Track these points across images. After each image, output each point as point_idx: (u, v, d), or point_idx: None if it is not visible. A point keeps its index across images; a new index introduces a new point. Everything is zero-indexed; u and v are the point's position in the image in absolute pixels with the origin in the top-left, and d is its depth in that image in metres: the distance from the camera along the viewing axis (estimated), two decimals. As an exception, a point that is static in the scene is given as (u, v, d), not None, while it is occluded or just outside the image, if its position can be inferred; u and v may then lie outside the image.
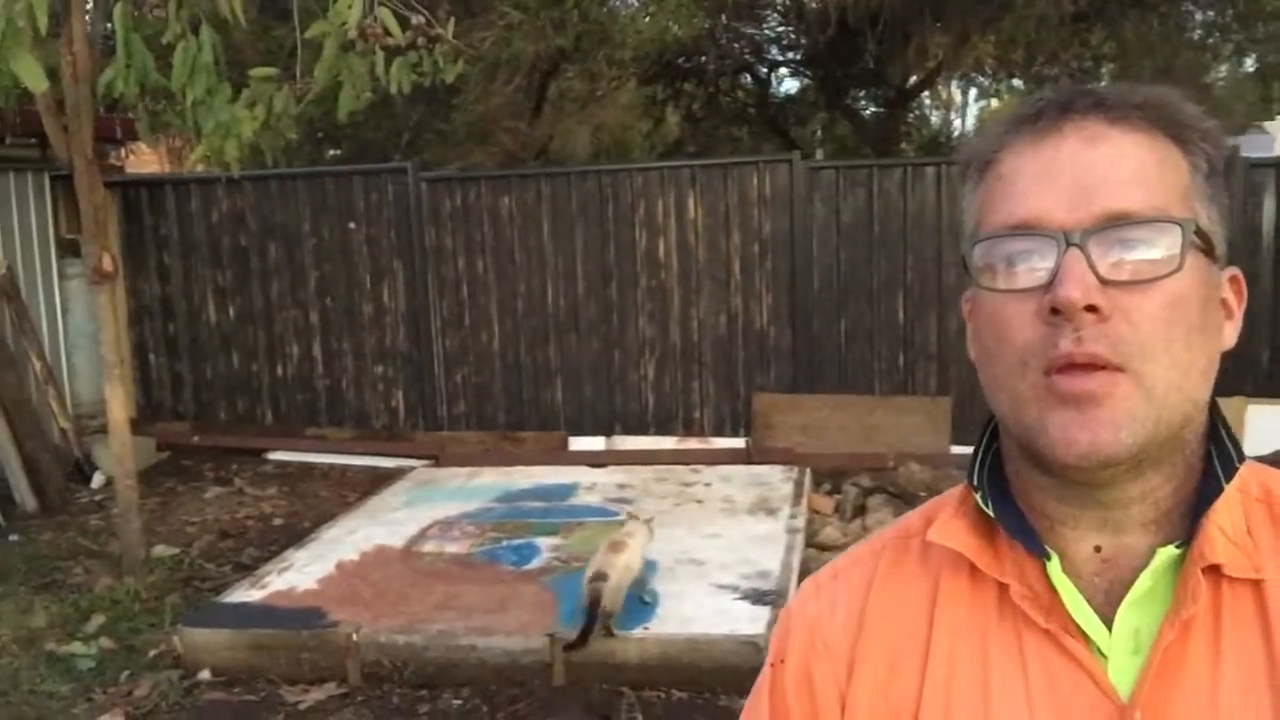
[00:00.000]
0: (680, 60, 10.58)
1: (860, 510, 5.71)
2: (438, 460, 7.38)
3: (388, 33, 4.76)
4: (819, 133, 15.22)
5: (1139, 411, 0.70)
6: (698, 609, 4.35)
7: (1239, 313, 0.79)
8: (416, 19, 4.96)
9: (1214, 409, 0.78)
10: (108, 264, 5.26)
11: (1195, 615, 0.72)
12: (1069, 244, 0.70)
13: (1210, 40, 10.57)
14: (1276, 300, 6.76)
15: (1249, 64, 14.27)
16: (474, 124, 9.12)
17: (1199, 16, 9.76)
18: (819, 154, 11.70)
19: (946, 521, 0.82)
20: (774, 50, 11.82)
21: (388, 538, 5.50)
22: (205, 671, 4.23)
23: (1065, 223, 0.71)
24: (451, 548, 5.34)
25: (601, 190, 7.44)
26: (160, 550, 5.62)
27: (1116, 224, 0.71)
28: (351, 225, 7.76)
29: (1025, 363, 0.73)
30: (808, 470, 6.40)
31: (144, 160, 11.13)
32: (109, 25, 5.17)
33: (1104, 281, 0.70)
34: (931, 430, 6.90)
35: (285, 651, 4.25)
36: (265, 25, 8.85)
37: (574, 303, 7.55)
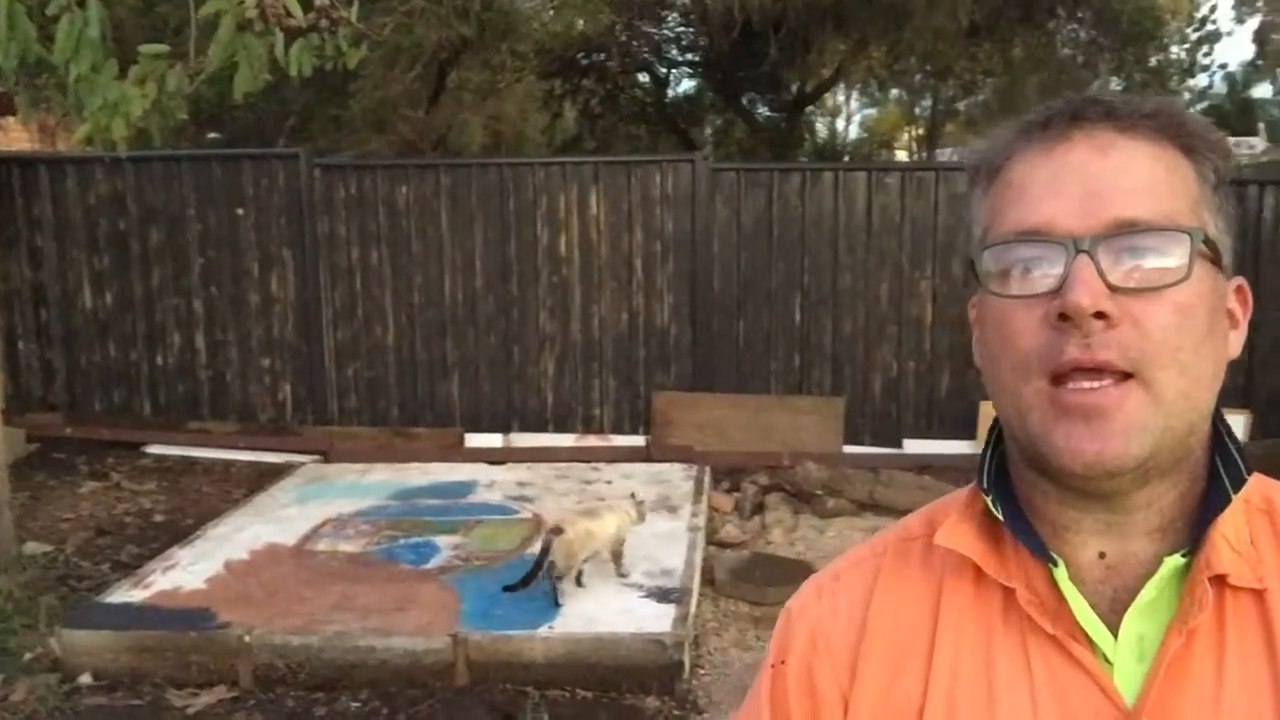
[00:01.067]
0: (580, 56, 10.54)
1: (759, 508, 5.78)
2: (327, 456, 7.18)
3: (289, 13, 4.60)
4: (709, 133, 15.37)
5: (1148, 420, 0.71)
6: (602, 607, 4.32)
7: (1244, 322, 0.79)
8: (319, 0, 4.81)
9: (1218, 419, 0.78)
10: (-21, 245, 4.95)
11: (1200, 624, 0.72)
12: (1078, 251, 0.71)
13: (1089, 59, 11.03)
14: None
15: (1115, 83, 15.00)
16: (371, 111, 8.91)
17: (1082, 35, 10.19)
18: (712, 155, 11.79)
19: (953, 525, 0.81)
20: (673, 50, 11.88)
21: (278, 536, 5.32)
22: (86, 675, 4.02)
23: (1075, 230, 0.71)
24: (346, 546, 5.20)
25: (503, 183, 7.35)
26: (32, 547, 5.32)
27: (1126, 232, 0.71)
28: (239, 211, 7.49)
29: (1029, 367, 0.73)
30: (707, 468, 6.45)
31: (13, 138, 10.54)
32: (-13, -8, 4.87)
33: (1112, 289, 0.70)
34: (825, 430, 7.03)
35: (172, 654, 4.07)
36: (149, 2, 8.47)
37: (472, 296, 7.44)
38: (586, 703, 3.93)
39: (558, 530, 4.34)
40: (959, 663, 0.79)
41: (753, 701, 0.89)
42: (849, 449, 7.03)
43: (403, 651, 4.05)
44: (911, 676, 0.80)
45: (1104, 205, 0.72)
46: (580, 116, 12.72)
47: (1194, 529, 0.75)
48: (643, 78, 12.69)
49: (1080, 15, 9.57)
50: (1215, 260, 0.74)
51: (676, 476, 6.37)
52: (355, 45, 5.08)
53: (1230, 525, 0.75)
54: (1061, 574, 0.76)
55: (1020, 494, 0.81)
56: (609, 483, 6.30)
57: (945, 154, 20.72)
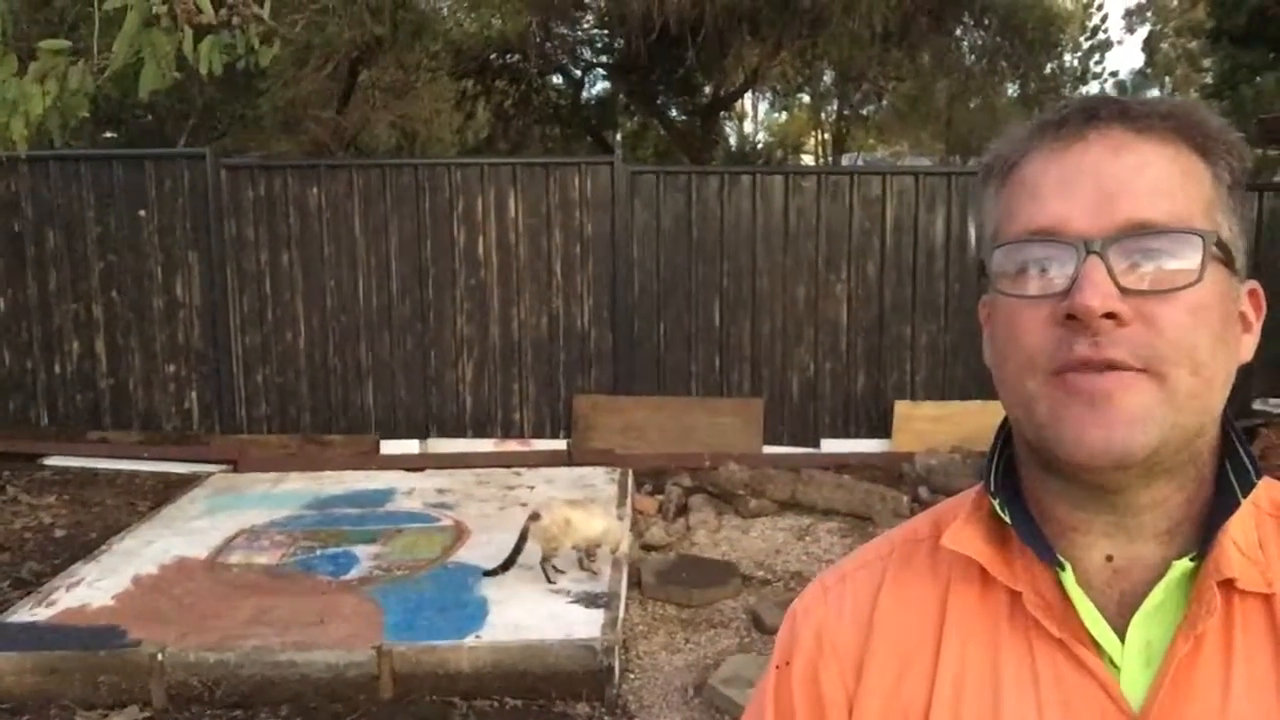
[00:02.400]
0: (494, 57, 10.44)
1: (683, 510, 5.79)
2: (237, 465, 6.97)
3: (198, 9, 4.45)
4: (619, 137, 15.36)
5: (1157, 411, 0.70)
6: (529, 615, 4.27)
7: (1257, 326, 0.79)
8: (230, -4, 4.67)
9: (1227, 422, 0.78)
10: None
11: (1207, 629, 0.72)
12: (1089, 251, 0.70)
13: (994, 66, 11.31)
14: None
15: (1012, 90, 15.42)
16: (280, 110, 8.68)
17: (987, 42, 10.43)
18: (618, 154, 11.77)
19: (960, 528, 0.81)
20: (588, 52, 11.85)
21: (189, 548, 5.15)
22: (-13, 701, 3.83)
23: (1086, 230, 0.71)
24: (261, 558, 5.06)
25: (419, 184, 7.24)
26: (-77, 567, 5.05)
27: (1138, 233, 0.70)
28: (142, 213, 7.24)
29: (1034, 361, 0.72)
30: (629, 471, 6.43)
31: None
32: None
33: (1124, 291, 0.70)
34: (745, 431, 7.07)
35: (81, 674, 3.89)
36: (43, -6, 8.13)
37: (387, 300, 7.31)
38: (516, 711, 3.88)
39: (535, 517, 4.54)
40: (964, 666, 0.78)
41: (757, 703, 0.89)
42: (768, 449, 7.09)
43: (324, 666, 3.94)
44: (917, 679, 0.80)
45: (1116, 206, 0.71)
46: (494, 118, 12.61)
47: (1202, 532, 0.75)
48: (557, 79, 12.64)
49: (986, 23, 9.82)
50: (1228, 263, 0.74)
51: (599, 480, 6.34)
52: (267, 43, 4.95)
53: (1239, 529, 0.74)
54: (1068, 577, 0.76)
55: (1028, 496, 0.80)
56: (531, 488, 6.24)
57: (851, 159, 21.09)
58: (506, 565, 4.61)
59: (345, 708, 3.88)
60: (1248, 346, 0.78)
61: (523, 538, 4.58)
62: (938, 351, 7.35)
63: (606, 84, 13.46)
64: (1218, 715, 0.71)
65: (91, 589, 4.56)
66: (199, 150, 7.47)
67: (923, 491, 6.01)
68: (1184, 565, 0.73)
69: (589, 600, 4.40)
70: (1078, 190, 0.72)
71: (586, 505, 4.81)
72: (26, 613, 4.30)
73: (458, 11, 8.32)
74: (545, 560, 4.59)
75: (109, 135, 11.59)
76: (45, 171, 7.20)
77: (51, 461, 7.04)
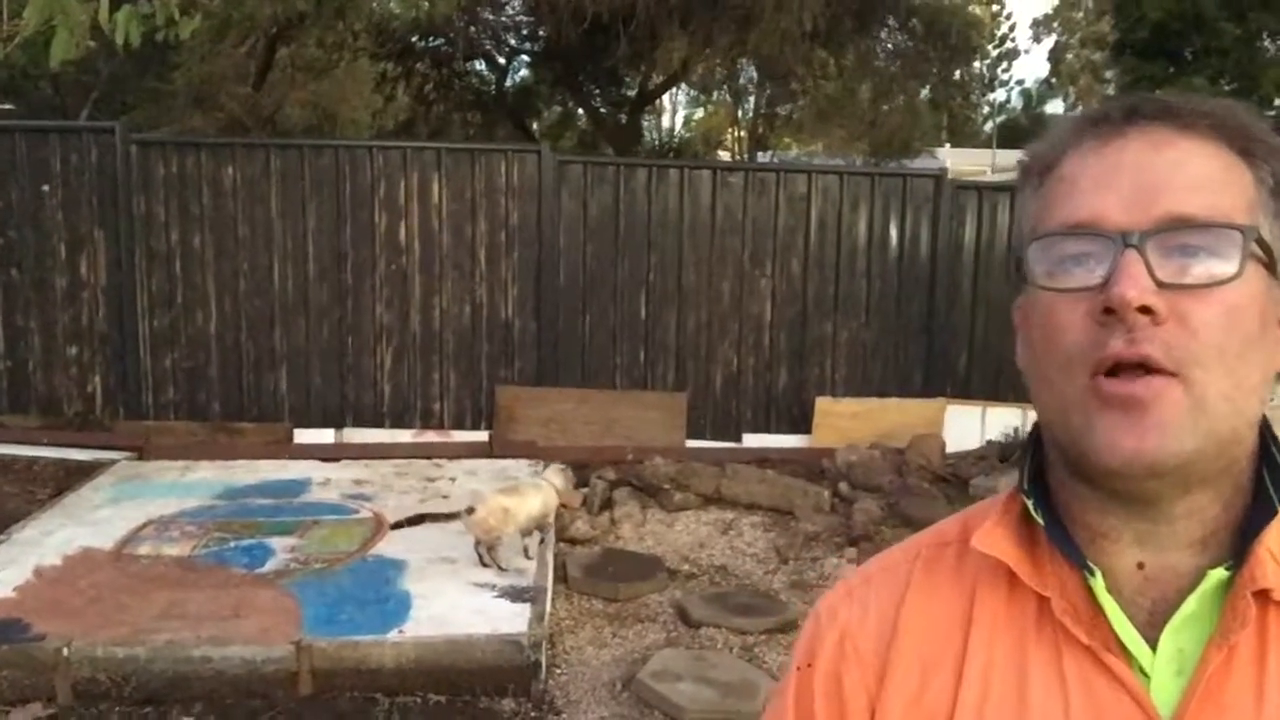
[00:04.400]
0: (417, 40, 10.24)
1: (607, 503, 5.75)
2: (142, 453, 6.72)
3: (115, -25, 4.26)
4: (535, 126, 15.24)
5: (1188, 420, 0.69)
6: (454, 609, 4.20)
7: None
8: (148, -36, 4.47)
9: (1265, 429, 0.76)
10: None
11: (1240, 640, 0.71)
12: (1126, 245, 0.69)
13: (913, 69, 11.50)
14: (974, 309, 7.46)
15: (924, 93, 15.73)
16: (194, 86, 8.38)
17: (909, 46, 10.60)
18: (545, 146, 11.66)
19: (990, 530, 0.79)
20: (513, 39, 11.71)
21: (94, 539, 4.95)
22: (-126, 699, 3.61)
23: (1124, 224, 0.70)
24: (171, 549, 4.88)
25: (339, 166, 7.06)
26: None
27: (1176, 227, 0.69)
28: (45, 188, 6.92)
29: (1072, 362, 0.71)
30: (568, 468, 6.35)
31: None
32: None
33: (1160, 285, 0.69)
34: (669, 424, 7.07)
35: (-21, 671, 3.70)
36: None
37: (303, 284, 7.12)
38: (440, 707, 3.80)
39: (470, 510, 4.58)
40: (990, 671, 0.77)
41: (778, 704, 0.87)
42: (691, 443, 7.10)
43: (240, 661, 3.82)
44: (941, 684, 0.78)
45: (1155, 200, 0.70)
46: (414, 101, 12.38)
47: (1237, 542, 0.74)
48: (479, 65, 12.46)
49: (911, 25, 9.98)
50: (1269, 265, 0.72)
51: (522, 473, 6.24)
52: (187, 14, 4.76)
53: (1276, 539, 0.73)
54: (1099, 583, 0.74)
55: (1059, 500, 0.79)
56: (452, 479, 6.14)
57: (767, 158, 21.27)
58: (412, 522, 4.92)
59: (262, 704, 3.76)
60: None
61: (439, 514, 4.86)
62: (858, 349, 7.45)
63: (529, 72, 13.35)
64: None
65: (-11, 581, 4.34)
66: (108, 124, 7.17)
67: (843, 487, 6.07)
68: (1219, 575, 0.72)
69: (515, 594, 4.34)
70: (1116, 185, 0.72)
71: (519, 489, 4.79)
72: (-81, 606, 4.07)
73: (380, -9, 8.14)
74: (479, 545, 4.63)
75: (7, 107, 11.08)
76: (-60, 142, 6.83)
77: (-58, 446, 6.69)
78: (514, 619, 4.12)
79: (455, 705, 3.82)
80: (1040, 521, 0.77)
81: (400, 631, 4.00)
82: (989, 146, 29.98)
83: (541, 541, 4.86)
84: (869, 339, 7.44)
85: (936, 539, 0.87)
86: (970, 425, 7.31)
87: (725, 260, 7.31)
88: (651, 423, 7.01)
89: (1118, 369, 0.69)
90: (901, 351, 7.43)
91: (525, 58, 12.25)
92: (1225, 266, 0.69)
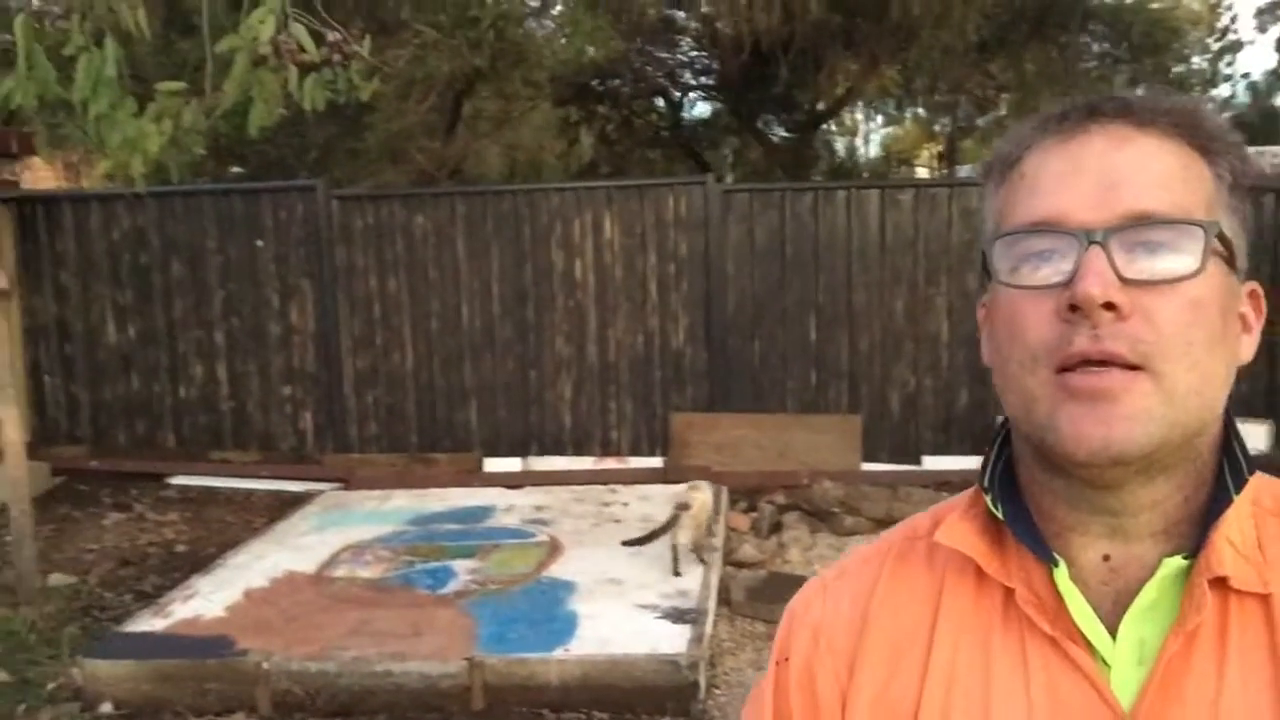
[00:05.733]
0: (594, 83, 10.63)
1: (776, 527, 5.77)
2: (347, 483, 7.23)
3: (302, 49, 4.69)
4: (730, 156, 15.41)
5: (1156, 410, 0.69)
6: (618, 629, 4.33)
7: (1257, 328, 0.78)
8: (331, 36, 4.90)
9: (1228, 421, 0.77)
10: (2, 281, 5.05)
11: (1200, 627, 0.71)
12: (1091, 242, 0.70)
13: (1104, 72, 11.02)
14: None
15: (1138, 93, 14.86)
16: (387, 142, 9.02)
17: (1095, 48, 10.16)
18: (729, 177, 11.79)
19: (954, 524, 0.81)
20: (687, 74, 11.96)
21: (297, 563, 5.37)
22: (107, 704, 4.06)
23: (1087, 221, 0.71)
24: (364, 572, 5.24)
25: (517, 209, 7.42)
26: (57, 579, 5.39)
27: (1139, 224, 0.70)
28: (259, 243, 7.60)
29: (1036, 359, 0.72)
30: (724, 489, 6.44)
31: (39, 177, 10.74)
32: (9, 36, 4.99)
33: (1124, 281, 0.69)
34: (843, 448, 7.01)
35: (191, 682, 4.11)
36: (169, 39, 8.63)
37: (489, 322, 7.50)
38: (602, 724, 3.93)
39: (684, 506, 4.96)
40: (956, 662, 0.78)
41: (757, 699, 0.89)
42: (867, 466, 7.01)
43: (418, 676, 4.07)
44: (908, 675, 0.79)
45: (1118, 197, 0.71)
46: (597, 142, 12.81)
47: (1199, 532, 0.74)
48: (658, 102, 12.78)
49: (1091, 28, 9.56)
50: (1229, 260, 0.74)
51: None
52: (367, 78, 5.17)
53: (1236, 528, 0.74)
54: (1061, 574, 0.75)
55: (1027, 494, 0.80)
56: (625, 504, 6.31)
57: (964, 171, 20.66)
58: (646, 539, 5.11)
59: (438, 717, 3.99)
60: (1248, 347, 0.78)
61: (669, 524, 4.99)
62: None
63: (708, 105, 13.58)
64: (1209, 715, 0.70)
65: (205, 601, 4.80)
66: (311, 182, 7.80)
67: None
68: (1176, 563, 0.73)
69: (677, 616, 4.44)
70: (1078, 182, 0.73)
71: (692, 491, 5.19)
72: (144, 623, 4.55)
73: (554, 40, 8.51)
74: (680, 547, 4.93)
75: (237, 170, 12.17)
76: (170, 206, 7.63)
77: (176, 481, 7.42)
78: (674, 639, 4.21)
79: (616, 723, 3.95)
80: (1000, 516, 0.78)
81: (566, 650, 4.16)
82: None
83: (705, 562, 4.95)
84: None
85: (908, 533, 0.88)
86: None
87: (897, 279, 7.21)
88: (825, 446, 6.97)
89: (1083, 365, 0.70)
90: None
91: (697, 93, 12.49)
92: (1188, 261, 0.70)
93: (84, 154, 9.28)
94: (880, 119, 24.17)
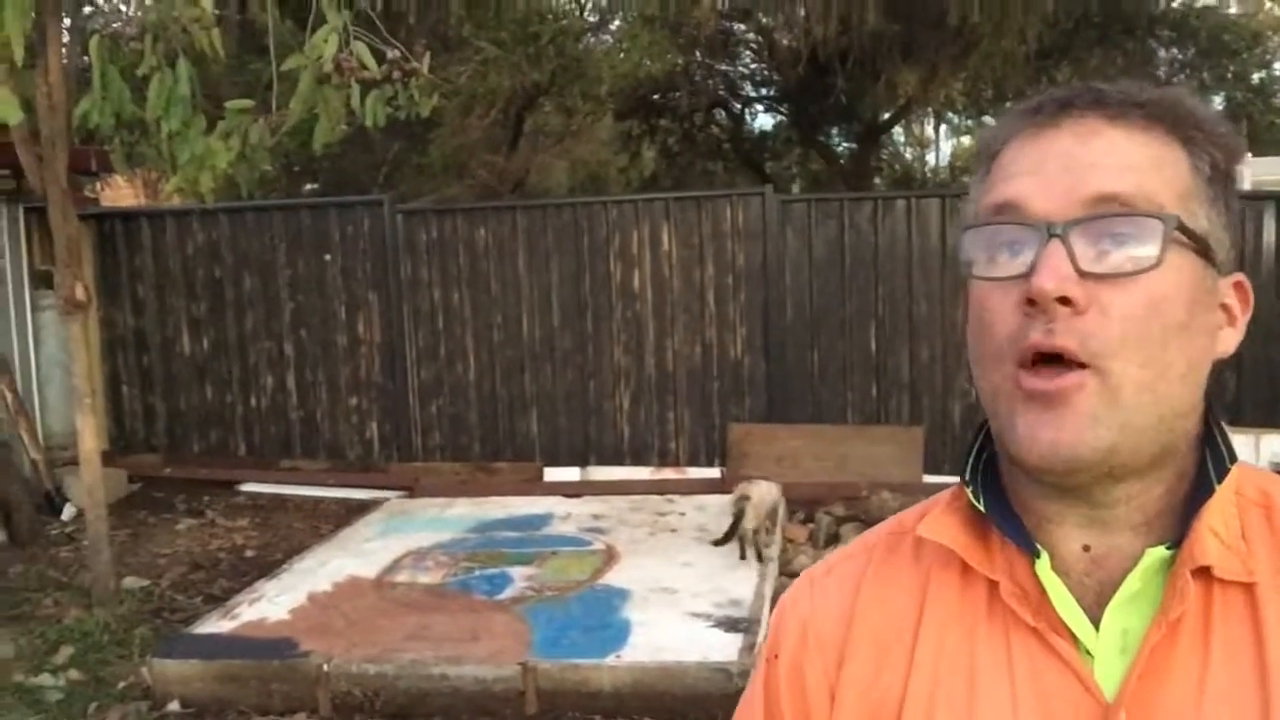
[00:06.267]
0: (655, 96, 10.71)
1: (833, 539, 5.74)
2: (412, 491, 7.36)
3: (363, 66, 4.82)
4: (794, 168, 15.36)
5: (1102, 413, 0.69)
6: (671, 637, 4.35)
7: (1243, 320, 0.77)
8: (392, 53, 5.03)
9: (1209, 414, 0.77)
10: (80, 293, 5.26)
11: (1184, 617, 0.71)
12: (1051, 235, 0.70)
13: (1176, 78, 10.81)
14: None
15: (1216, 101, 14.49)
16: (450, 157, 9.19)
17: (1163, 53, 9.96)
18: (794, 189, 11.75)
19: (937, 517, 0.81)
20: (748, 87, 11.99)
21: (360, 568, 5.48)
22: (174, 703, 4.19)
23: (1049, 212, 0.71)
24: (424, 578, 5.33)
25: (577, 222, 7.50)
26: (130, 582, 5.57)
27: (1101, 216, 0.70)
28: (327, 257, 7.79)
29: (1002, 353, 0.72)
30: (783, 500, 6.42)
31: (120, 193, 11.13)
32: (85, 57, 5.21)
33: (1083, 274, 0.69)
34: (904, 460, 6.95)
35: (255, 682, 4.22)
36: (242, 60, 8.91)
37: (549, 333, 7.59)
38: (653, 731, 3.96)
39: (745, 498, 5.28)
40: (941, 655, 0.78)
41: (750, 696, 0.89)
42: (930, 478, 6.93)
43: (474, 679, 4.13)
44: (894, 668, 0.80)
45: (1080, 184, 0.71)
46: (658, 156, 12.89)
47: (1182, 523, 0.73)
48: (719, 115, 12.82)
49: (1158, 33, 9.37)
50: (1202, 252, 0.72)
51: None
52: (428, 95, 5.29)
53: (1219, 518, 0.73)
54: (1043, 565, 0.75)
55: (1008, 486, 0.80)
56: (682, 514, 6.34)
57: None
58: (726, 537, 5.40)
59: (492, 720, 4.06)
60: (1230, 340, 0.77)
61: (738, 516, 5.30)
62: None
63: (770, 117, 13.58)
64: (1193, 704, 0.70)
65: (271, 604, 4.93)
66: (378, 198, 7.98)
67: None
68: (1159, 554, 0.73)
69: (729, 625, 4.45)
70: (1042, 172, 0.73)
71: (755, 481, 5.52)
72: (212, 625, 4.69)
73: (612, 55, 8.60)
74: (755, 534, 5.26)
75: (310, 187, 12.48)
76: (242, 221, 7.87)
77: (246, 488, 7.62)
78: (725, 648, 4.22)
79: (668, 729, 3.96)
80: (981, 508, 0.78)
81: (618, 656, 4.19)
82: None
83: (762, 558, 5.22)
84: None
85: (894, 528, 0.88)
86: (1243, 454, 6.69)
87: (959, 289, 7.13)
88: (885, 458, 6.92)
89: (1038, 360, 0.70)
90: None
91: (758, 105, 12.50)
92: (1146, 254, 0.69)
93: (160, 171, 9.61)
94: (945, 129, 23.90)
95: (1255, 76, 14.16)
